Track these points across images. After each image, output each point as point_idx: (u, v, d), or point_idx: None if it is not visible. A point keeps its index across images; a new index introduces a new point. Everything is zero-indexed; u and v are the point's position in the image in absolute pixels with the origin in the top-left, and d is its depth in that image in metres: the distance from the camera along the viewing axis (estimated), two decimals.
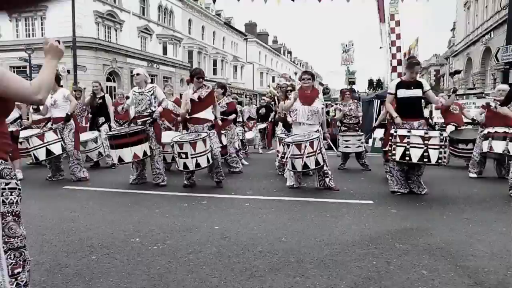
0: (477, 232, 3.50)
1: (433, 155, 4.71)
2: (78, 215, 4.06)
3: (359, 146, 7.57)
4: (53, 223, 3.69)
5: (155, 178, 5.80)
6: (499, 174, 6.60)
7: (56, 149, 5.98)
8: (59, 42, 1.86)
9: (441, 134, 4.81)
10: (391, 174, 5.23)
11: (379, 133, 10.82)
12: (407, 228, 3.61)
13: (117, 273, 2.58)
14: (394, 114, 5.07)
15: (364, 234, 3.44)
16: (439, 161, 4.73)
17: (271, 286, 2.41)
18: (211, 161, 5.38)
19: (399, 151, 4.84)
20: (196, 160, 5.22)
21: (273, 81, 41.02)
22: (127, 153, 5.53)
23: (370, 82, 50.29)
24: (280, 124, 7.80)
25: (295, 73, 55.69)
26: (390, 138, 4.99)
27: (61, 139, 6.05)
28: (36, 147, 5.90)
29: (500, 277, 2.53)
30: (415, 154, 4.75)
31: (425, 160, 4.73)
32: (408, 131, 4.84)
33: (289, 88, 7.50)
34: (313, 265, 2.72)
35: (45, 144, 5.90)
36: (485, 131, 6.42)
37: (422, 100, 5.49)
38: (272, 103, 15.31)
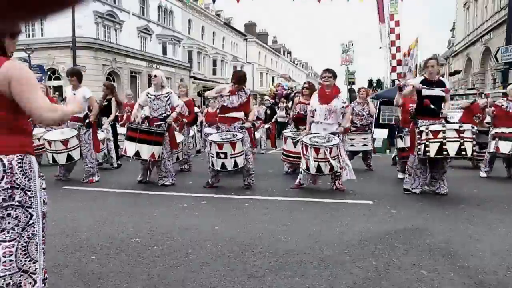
0: (477, 232, 3.50)
1: (469, 148, 4.63)
2: (78, 215, 4.06)
3: (364, 145, 7.50)
4: (53, 223, 3.68)
5: (159, 181, 5.78)
6: (508, 174, 6.57)
7: (76, 154, 5.91)
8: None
9: (472, 127, 4.77)
10: (408, 173, 5.20)
11: (380, 133, 10.84)
12: (407, 228, 3.61)
13: (117, 273, 2.58)
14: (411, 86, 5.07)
15: (364, 234, 3.44)
16: (473, 153, 4.69)
17: (271, 286, 2.41)
18: (245, 162, 5.38)
19: (433, 147, 4.69)
20: (235, 160, 5.24)
21: (273, 81, 41.05)
22: (146, 150, 5.48)
23: (370, 82, 50.25)
24: (291, 124, 7.42)
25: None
26: (419, 136, 4.86)
27: (79, 145, 5.92)
28: (58, 151, 5.80)
29: (500, 277, 2.54)
30: (453, 148, 4.63)
31: (463, 153, 4.62)
32: (443, 126, 4.72)
33: (305, 85, 7.16)
34: (313, 265, 2.72)
35: (67, 150, 5.81)
36: (493, 131, 6.41)
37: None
38: (272, 101, 15.33)
